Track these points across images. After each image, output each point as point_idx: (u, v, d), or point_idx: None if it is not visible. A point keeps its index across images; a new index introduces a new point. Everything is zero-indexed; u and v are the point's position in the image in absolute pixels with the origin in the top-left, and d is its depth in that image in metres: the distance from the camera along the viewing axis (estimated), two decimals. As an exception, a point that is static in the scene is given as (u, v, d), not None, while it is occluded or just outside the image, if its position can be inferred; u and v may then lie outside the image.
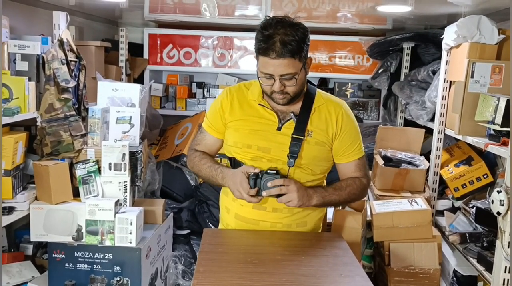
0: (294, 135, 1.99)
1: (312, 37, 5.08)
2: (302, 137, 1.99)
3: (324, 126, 2.05)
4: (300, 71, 1.93)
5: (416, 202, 3.07)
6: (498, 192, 2.18)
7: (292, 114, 2.03)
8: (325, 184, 2.21)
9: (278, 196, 1.93)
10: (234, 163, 2.09)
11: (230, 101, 2.09)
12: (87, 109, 3.04)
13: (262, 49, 1.88)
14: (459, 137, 2.92)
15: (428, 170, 3.42)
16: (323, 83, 5.22)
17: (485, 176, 3.21)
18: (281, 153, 2.00)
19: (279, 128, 2.02)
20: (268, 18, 1.93)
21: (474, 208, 2.91)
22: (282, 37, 1.86)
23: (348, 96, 4.96)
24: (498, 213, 2.19)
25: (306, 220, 2.09)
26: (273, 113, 2.04)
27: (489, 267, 2.50)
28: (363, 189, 2.12)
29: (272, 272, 1.68)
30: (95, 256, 2.75)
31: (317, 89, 2.12)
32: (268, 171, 1.93)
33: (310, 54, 4.95)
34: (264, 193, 1.91)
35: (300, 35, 1.89)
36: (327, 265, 1.76)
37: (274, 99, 1.99)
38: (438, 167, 3.45)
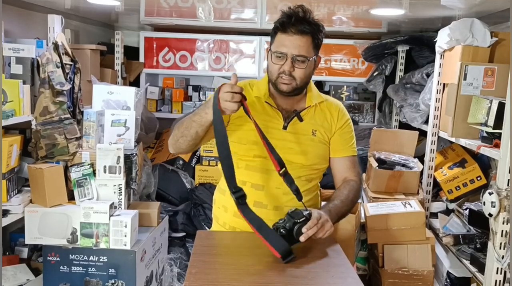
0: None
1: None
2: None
3: (327, 124, 2.08)
4: (312, 58, 1.96)
5: (409, 204, 3.08)
6: (490, 193, 2.19)
7: (296, 112, 2.05)
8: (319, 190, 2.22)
9: None
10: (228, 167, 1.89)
11: None
12: (82, 112, 3.05)
13: (283, 25, 1.93)
14: (452, 139, 2.93)
15: (422, 172, 3.44)
16: (318, 86, 5.23)
17: (479, 178, 3.22)
18: (287, 151, 1.99)
19: (284, 127, 2.03)
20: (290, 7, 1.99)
21: (467, 210, 2.93)
22: (304, 17, 1.93)
23: (344, 99, 4.97)
24: (490, 215, 2.20)
25: None
26: (278, 112, 2.05)
27: (482, 268, 2.51)
28: (359, 191, 2.13)
29: (264, 274, 1.68)
30: (90, 259, 2.75)
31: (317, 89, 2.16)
32: (297, 221, 1.82)
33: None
34: (302, 238, 1.79)
35: (319, 24, 1.97)
36: (319, 267, 1.77)
37: (278, 85, 1.98)
38: (432, 169, 3.46)
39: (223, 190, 2.15)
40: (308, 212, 1.83)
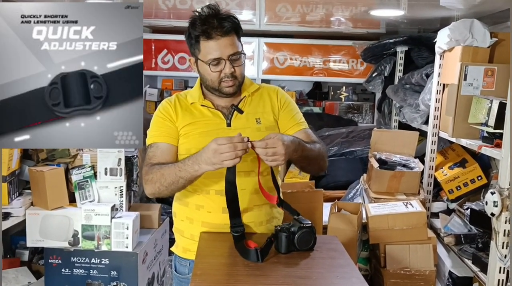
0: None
1: (306, 41, 5.12)
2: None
3: (269, 108, 2.05)
4: (243, 50, 1.95)
5: (411, 204, 3.09)
6: (492, 193, 2.20)
7: (233, 106, 2.00)
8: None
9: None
10: None
11: (174, 108, 2.02)
12: (82, 115, 3.03)
13: (206, 32, 1.87)
14: (453, 139, 2.94)
15: (422, 172, 3.44)
16: (317, 87, 5.24)
17: (479, 178, 3.23)
18: None
19: (228, 125, 1.99)
20: (195, 12, 1.94)
21: (469, 209, 2.93)
22: (220, 18, 1.87)
23: (343, 100, 4.99)
24: (492, 214, 2.21)
25: (274, 214, 2.07)
26: (217, 112, 2.01)
27: (484, 268, 2.52)
28: (324, 147, 2.07)
29: (268, 275, 1.68)
30: (92, 261, 2.74)
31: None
32: (303, 225, 1.84)
33: (304, 58, 4.96)
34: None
35: (232, 15, 1.92)
36: (323, 267, 1.77)
37: (222, 90, 1.95)
38: (432, 169, 3.47)
39: (186, 201, 2.06)
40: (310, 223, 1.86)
